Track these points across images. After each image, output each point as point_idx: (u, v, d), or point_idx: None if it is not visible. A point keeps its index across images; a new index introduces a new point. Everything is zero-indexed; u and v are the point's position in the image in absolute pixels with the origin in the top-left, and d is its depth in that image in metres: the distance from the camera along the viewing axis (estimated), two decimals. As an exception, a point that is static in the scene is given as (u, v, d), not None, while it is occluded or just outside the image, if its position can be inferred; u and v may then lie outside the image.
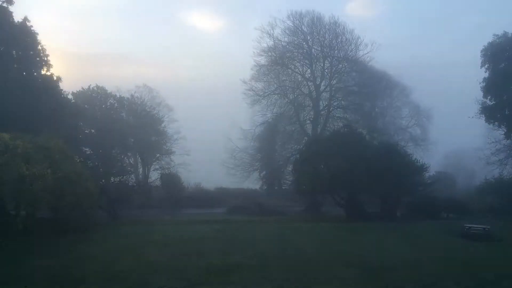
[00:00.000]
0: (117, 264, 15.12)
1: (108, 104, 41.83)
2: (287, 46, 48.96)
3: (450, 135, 53.39)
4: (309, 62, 48.80)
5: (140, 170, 50.88)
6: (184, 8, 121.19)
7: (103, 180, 35.39)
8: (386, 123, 52.87)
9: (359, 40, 47.81)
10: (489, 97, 39.31)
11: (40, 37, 28.11)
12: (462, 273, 14.43)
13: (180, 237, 21.76)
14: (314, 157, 33.26)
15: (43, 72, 28.60)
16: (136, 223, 28.65)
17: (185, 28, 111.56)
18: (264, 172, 51.48)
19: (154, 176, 50.31)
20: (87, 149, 37.19)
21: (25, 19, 27.58)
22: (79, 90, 39.83)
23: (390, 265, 15.29)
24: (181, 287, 12.56)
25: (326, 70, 48.60)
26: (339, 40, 47.92)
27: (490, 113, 39.38)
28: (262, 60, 48.37)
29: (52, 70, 29.00)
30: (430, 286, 13.13)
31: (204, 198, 46.19)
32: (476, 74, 40.39)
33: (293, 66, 49.51)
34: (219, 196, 47.96)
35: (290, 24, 47.95)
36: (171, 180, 45.90)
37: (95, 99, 40.86)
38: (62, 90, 30.80)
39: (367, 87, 49.72)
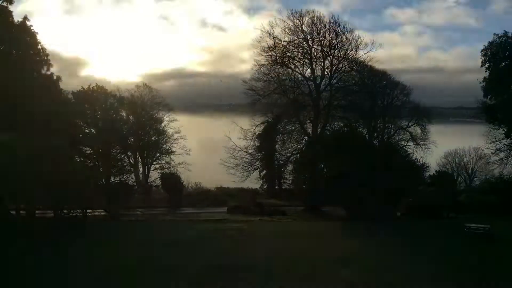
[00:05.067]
0: (117, 264, 15.11)
1: (108, 104, 41.70)
2: (287, 46, 48.85)
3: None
4: (309, 61, 48.64)
5: (140, 169, 50.71)
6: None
7: (103, 180, 35.33)
8: (386, 123, 52.72)
9: (359, 39, 47.68)
10: (489, 97, 39.29)
11: (39, 37, 28.16)
12: (462, 271, 14.44)
13: (180, 236, 21.75)
14: (315, 157, 33.28)
15: (43, 71, 28.56)
16: (136, 223, 28.65)
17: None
18: (264, 172, 51.39)
19: (154, 175, 50.17)
20: (87, 149, 37.13)
21: (25, 18, 27.51)
22: (79, 90, 39.74)
23: (391, 264, 15.29)
24: (181, 286, 12.55)
25: (326, 70, 48.36)
26: (339, 39, 47.72)
27: (490, 113, 39.38)
28: (262, 59, 48.25)
29: (52, 70, 29.03)
30: (431, 284, 13.14)
31: (204, 198, 46.10)
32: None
33: (293, 65, 49.32)
34: (219, 196, 47.88)
35: (290, 23, 47.71)
36: (171, 180, 45.83)
37: (95, 99, 40.74)
38: (62, 89, 30.78)
39: (367, 86, 49.61)
